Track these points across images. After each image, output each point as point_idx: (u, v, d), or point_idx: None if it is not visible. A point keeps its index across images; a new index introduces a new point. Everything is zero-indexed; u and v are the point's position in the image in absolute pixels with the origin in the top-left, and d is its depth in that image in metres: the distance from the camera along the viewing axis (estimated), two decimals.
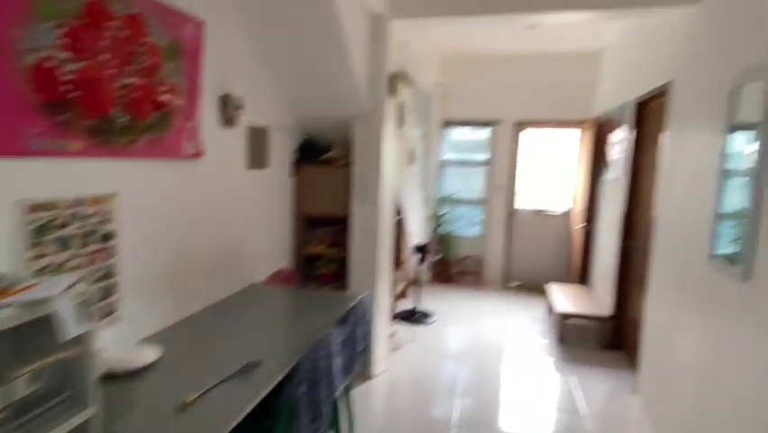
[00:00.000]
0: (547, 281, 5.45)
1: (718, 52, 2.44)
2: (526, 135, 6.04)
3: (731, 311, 2.09)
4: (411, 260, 4.85)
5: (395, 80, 3.25)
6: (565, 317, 4.20)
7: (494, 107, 5.96)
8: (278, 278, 3.20)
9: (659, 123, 3.32)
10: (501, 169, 6.05)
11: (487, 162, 6.15)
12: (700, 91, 2.64)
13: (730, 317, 2.10)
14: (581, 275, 5.28)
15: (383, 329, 3.57)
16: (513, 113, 5.91)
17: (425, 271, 5.69)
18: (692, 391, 2.42)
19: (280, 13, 2.53)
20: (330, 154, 3.46)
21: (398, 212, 4.07)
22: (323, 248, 3.55)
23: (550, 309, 4.98)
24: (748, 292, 1.95)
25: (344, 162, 3.39)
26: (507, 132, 5.97)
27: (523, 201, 6.12)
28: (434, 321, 4.66)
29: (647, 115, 3.75)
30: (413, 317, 4.63)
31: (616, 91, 4.62)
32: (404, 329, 4.40)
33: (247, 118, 2.63)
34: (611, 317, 4.11)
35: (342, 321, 2.18)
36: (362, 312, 2.32)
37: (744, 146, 2.10)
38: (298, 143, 3.47)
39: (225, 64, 2.43)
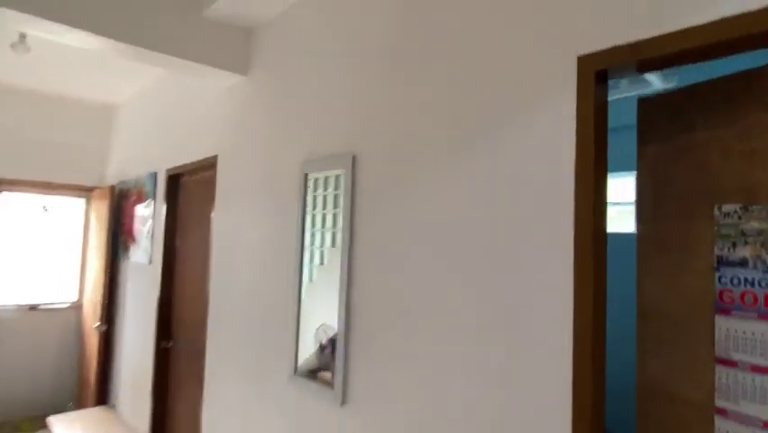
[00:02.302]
0: (49, 412, 3.78)
1: (279, 134, 2.18)
2: (8, 200, 4.21)
3: None
4: None
5: None
6: None
7: None
8: None
9: (205, 198, 2.82)
10: None
11: None
12: (261, 170, 2.30)
13: None
14: (101, 392, 3.95)
15: None
16: None
17: None
18: None
19: None
20: None
21: None
22: None
23: None
24: (346, 417, 1.61)
25: None
26: None
27: (5, 294, 4.15)
28: None
29: (187, 188, 3.19)
30: None
31: (142, 157, 3.85)
32: None
33: None
34: None
35: None
36: None
37: (322, 239, 1.84)
38: None
39: None
